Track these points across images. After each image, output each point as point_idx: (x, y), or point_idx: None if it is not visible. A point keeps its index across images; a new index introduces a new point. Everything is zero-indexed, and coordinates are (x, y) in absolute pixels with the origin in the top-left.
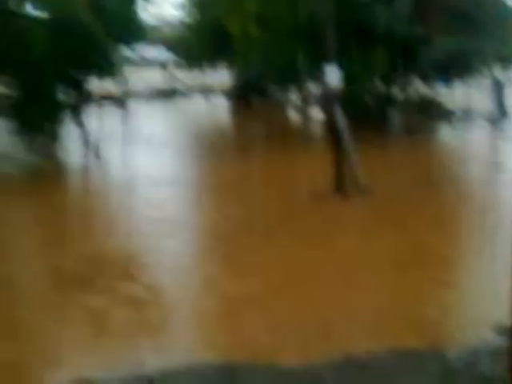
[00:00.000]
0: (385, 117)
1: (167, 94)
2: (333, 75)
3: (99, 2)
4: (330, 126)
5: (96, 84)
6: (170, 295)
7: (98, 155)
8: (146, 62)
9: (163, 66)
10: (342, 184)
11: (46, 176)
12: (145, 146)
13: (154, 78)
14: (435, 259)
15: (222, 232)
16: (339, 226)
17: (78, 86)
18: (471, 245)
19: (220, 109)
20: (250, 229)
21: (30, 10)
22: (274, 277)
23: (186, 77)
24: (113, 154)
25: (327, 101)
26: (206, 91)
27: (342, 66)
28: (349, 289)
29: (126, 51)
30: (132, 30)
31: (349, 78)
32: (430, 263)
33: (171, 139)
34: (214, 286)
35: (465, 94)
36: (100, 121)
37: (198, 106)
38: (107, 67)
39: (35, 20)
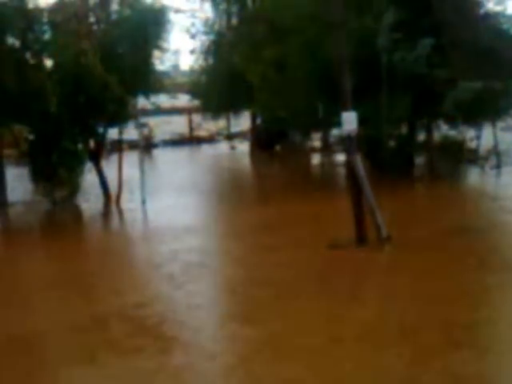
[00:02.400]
0: (409, 161)
1: (189, 140)
2: (351, 120)
3: (114, 53)
4: (351, 172)
5: (116, 132)
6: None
7: (118, 203)
8: (167, 110)
9: (185, 112)
10: (363, 234)
11: (65, 226)
12: (167, 191)
13: (176, 124)
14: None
15: (234, 283)
16: (359, 282)
17: (96, 135)
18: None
19: (242, 152)
20: (264, 282)
21: (45, 61)
22: (288, 333)
23: (208, 122)
24: (134, 201)
25: (347, 146)
26: (228, 136)
27: (363, 110)
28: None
29: (144, 100)
30: (148, 80)
31: (370, 122)
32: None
33: (193, 185)
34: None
35: (493, 136)
36: (122, 168)
37: (220, 151)
38: (124, 115)
39: (51, 71)
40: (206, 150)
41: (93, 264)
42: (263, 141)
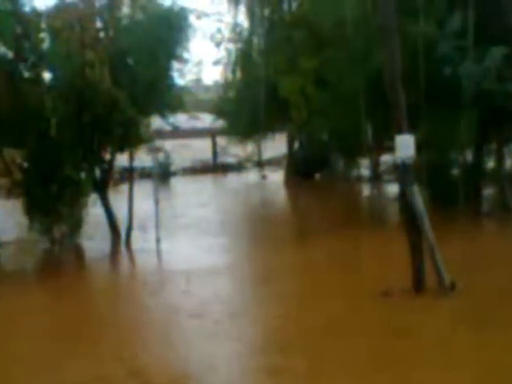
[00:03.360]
0: (476, 193)
1: (213, 168)
2: (407, 145)
3: (124, 65)
4: (406, 206)
5: (126, 158)
6: None
7: (128, 242)
8: (189, 133)
9: (208, 135)
10: (421, 280)
11: (64, 270)
12: (186, 229)
13: (197, 149)
14: None
15: (278, 337)
16: (417, 340)
17: (102, 161)
18: None
19: (275, 183)
20: (307, 337)
21: (43, 74)
22: None
23: (234, 147)
24: (148, 240)
25: (401, 176)
26: (259, 163)
27: (420, 132)
28: None
29: (160, 121)
30: (164, 96)
31: (429, 147)
32: None
33: (218, 220)
34: None
35: None
36: (132, 201)
37: (249, 180)
38: (135, 139)
39: (50, 86)
40: (233, 179)
41: (95, 319)
42: (301, 169)
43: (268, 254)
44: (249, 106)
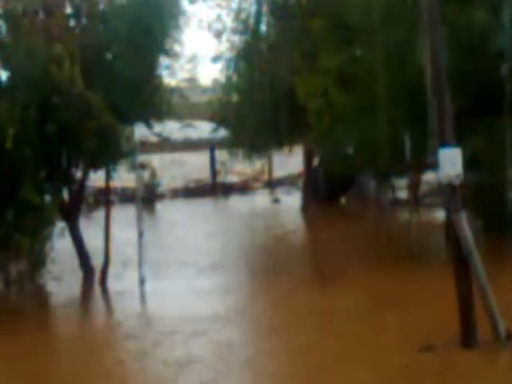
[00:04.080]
0: None
1: (211, 190)
2: (453, 161)
3: (101, 61)
4: (453, 237)
5: (102, 177)
6: None
7: (104, 283)
8: (181, 145)
9: (205, 148)
10: (471, 329)
11: (22, 318)
12: (178, 267)
13: (192, 166)
14: None
15: None
16: None
17: (72, 181)
18: None
19: (290, 208)
20: None
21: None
22: None
23: (239, 163)
24: (129, 280)
25: (447, 199)
26: (270, 184)
27: (471, 146)
28: None
29: (145, 130)
30: (150, 100)
31: (482, 163)
32: None
33: (218, 256)
34: None
35: None
36: (110, 231)
37: (257, 204)
38: (113, 153)
39: (7, 87)
40: (237, 203)
41: None
42: (322, 190)
43: (284, 298)
44: (257, 113)
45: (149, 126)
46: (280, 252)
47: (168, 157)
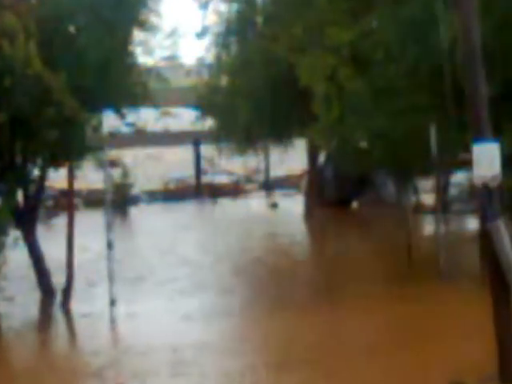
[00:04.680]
0: None
1: (195, 192)
2: (490, 158)
3: (63, 36)
4: (489, 251)
5: (64, 177)
6: None
7: (67, 304)
8: (159, 138)
9: (188, 142)
10: (510, 362)
11: None
12: (156, 286)
13: (172, 163)
14: None
15: None
16: None
17: (27, 181)
18: None
19: (291, 214)
20: None
21: None
22: None
23: (229, 159)
24: (97, 301)
25: (481, 205)
26: (267, 185)
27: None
28: None
29: (115, 120)
30: (122, 83)
31: None
32: None
33: (202, 273)
34: None
35: None
36: (73, 241)
37: (251, 209)
38: (77, 147)
39: None
40: (227, 209)
41: None
42: (330, 193)
43: (285, 327)
44: (251, 99)
45: (120, 115)
46: (279, 269)
47: (144, 152)
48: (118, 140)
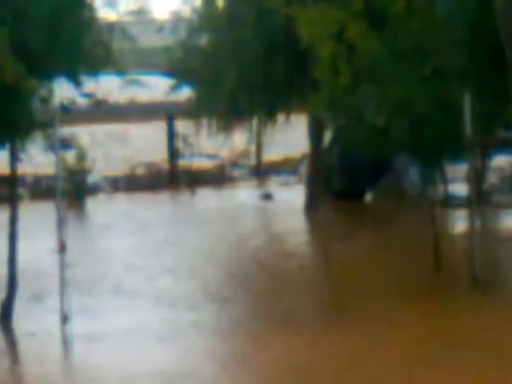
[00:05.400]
0: None
1: (169, 179)
2: None
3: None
4: None
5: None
6: None
7: (8, 320)
8: (124, 112)
9: (159, 117)
10: None
11: None
12: (119, 296)
13: (139, 142)
14: None
15: None
16: None
17: None
18: None
19: (289, 208)
20: None
21: None
22: None
23: (210, 138)
24: (46, 317)
25: None
26: (258, 171)
27: None
28: None
29: (69, 88)
30: (77, 41)
31: None
32: None
33: (177, 282)
34: None
35: None
36: (15, 242)
37: (238, 202)
38: (19, 122)
39: None
40: (208, 200)
41: None
42: (337, 181)
43: (289, 346)
44: (238, 62)
45: (76, 83)
46: (276, 278)
47: (105, 129)
48: (73, 114)
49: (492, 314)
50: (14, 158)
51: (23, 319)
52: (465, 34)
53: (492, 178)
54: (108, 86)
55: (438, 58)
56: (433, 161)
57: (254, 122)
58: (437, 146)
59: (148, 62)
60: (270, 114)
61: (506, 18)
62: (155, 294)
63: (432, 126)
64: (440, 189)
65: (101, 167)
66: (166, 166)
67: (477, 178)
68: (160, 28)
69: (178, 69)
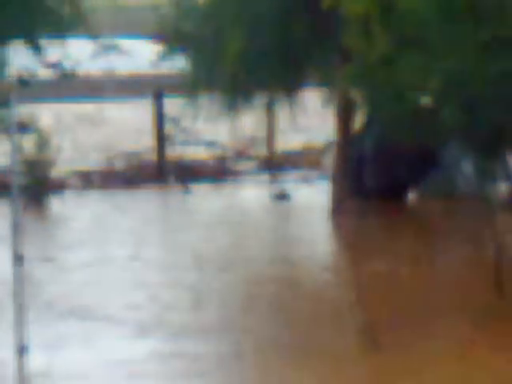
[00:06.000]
0: None
1: (159, 171)
2: None
3: None
4: None
5: None
6: None
7: None
8: (99, 87)
9: (144, 93)
10: None
11: None
12: (92, 322)
13: (122, 126)
14: None
15: None
16: None
17: None
18: None
19: (310, 210)
20: None
21: None
22: None
23: (208, 122)
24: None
25: None
26: (269, 161)
27: None
28: None
29: (32, 59)
30: (45, 4)
31: None
32: None
33: (167, 303)
34: None
35: None
36: None
37: (246, 203)
38: None
39: None
40: (207, 201)
41: None
42: (372, 178)
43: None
44: (244, 26)
45: (35, 49)
46: (296, 296)
47: (74, 109)
48: (34, 89)
49: None
50: None
51: None
52: None
53: None
54: (78, 54)
55: (502, 19)
56: (493, 152)
57: (265, 102)
58: (499, 131)
59: (130, 23)
60: (285, 91)
61: None
62: (137, 316)
63: (493, 106)
64: (502, 187)
65: (68, 157)
66: (152, 156)
67: None
68: None
69: (170, 32)
